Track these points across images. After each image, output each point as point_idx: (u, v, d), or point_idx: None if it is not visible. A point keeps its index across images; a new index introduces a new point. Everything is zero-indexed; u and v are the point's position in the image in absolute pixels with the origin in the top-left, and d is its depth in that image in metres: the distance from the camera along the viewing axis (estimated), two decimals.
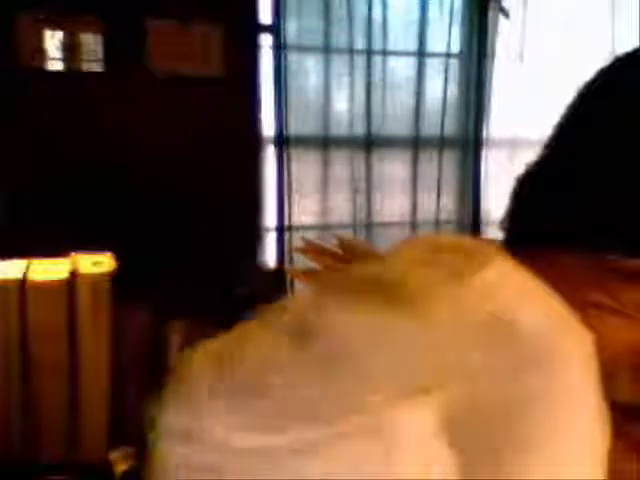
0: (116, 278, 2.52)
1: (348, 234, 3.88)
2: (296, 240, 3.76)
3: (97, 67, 3.40)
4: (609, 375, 0.34)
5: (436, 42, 4.02)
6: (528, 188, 0.52)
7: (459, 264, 0.33)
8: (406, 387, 0.30)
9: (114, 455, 2.42)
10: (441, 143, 4.09)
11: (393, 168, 4.07)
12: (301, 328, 0.27)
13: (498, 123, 4.19)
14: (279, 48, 3.71)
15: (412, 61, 4.01)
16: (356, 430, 0.27)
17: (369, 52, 3.87)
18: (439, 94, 4.05)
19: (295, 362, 0.27)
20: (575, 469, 0.33)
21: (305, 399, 0.26)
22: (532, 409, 0.32)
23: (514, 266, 0.35)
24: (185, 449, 0.27)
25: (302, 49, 3.79)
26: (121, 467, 2.38)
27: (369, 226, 4.02)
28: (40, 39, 3.30)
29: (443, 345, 0.33)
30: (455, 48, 4.09)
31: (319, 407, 0.26)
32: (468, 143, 4.16)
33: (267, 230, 3.87)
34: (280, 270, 3.81)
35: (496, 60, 4.14)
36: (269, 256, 3.89)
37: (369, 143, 3.94)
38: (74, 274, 2.46)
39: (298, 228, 3.85)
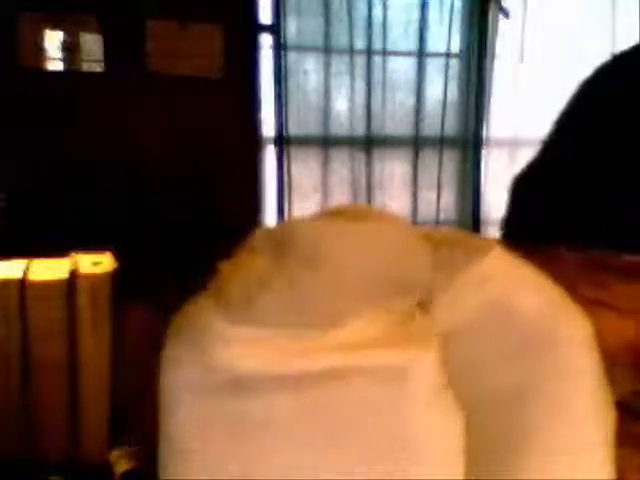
0: (116, 278, 2.51)
1: None
2: None
3: (97, 67, 3.40)
4: (605, 372, 0.34)
5: (436, 42, 4.02)
6: (525, 187, 0.52)
7: (457, 257, 0.32)
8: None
9: (114, 455, 2.42)
10: (441, 143, 4.08)
11: (393, 168, 4.07)
12: (279, 242, 0.30)
13: (498, 123, 4.19)
14: (279, 48, 3.71)
15: (412, 61, 4.01)
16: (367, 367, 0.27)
17: (369, 52, 3.87)
18: (439, 94, 4.05)
19: (277, 271, 0.30)
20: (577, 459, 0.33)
21: (293, 300, 0.28)
22: (534, 395, 0.32)
23: (512, 256, 0.34)
24: (194, 374, 0.30)
25: (302, 49, 3.79)
26: (121, 467, 2.38)
27: None
28: (40, 39, 3.30)
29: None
30: (455, 48, 4.09)
31: (308, 311, 0.28)
32: (468, 143, 4.16)
33: None
34: None
35: (496, 60, 4.14)
36: None
37: (369, 143, 3.93)
38: (74, 274, 2.46)
39: None
